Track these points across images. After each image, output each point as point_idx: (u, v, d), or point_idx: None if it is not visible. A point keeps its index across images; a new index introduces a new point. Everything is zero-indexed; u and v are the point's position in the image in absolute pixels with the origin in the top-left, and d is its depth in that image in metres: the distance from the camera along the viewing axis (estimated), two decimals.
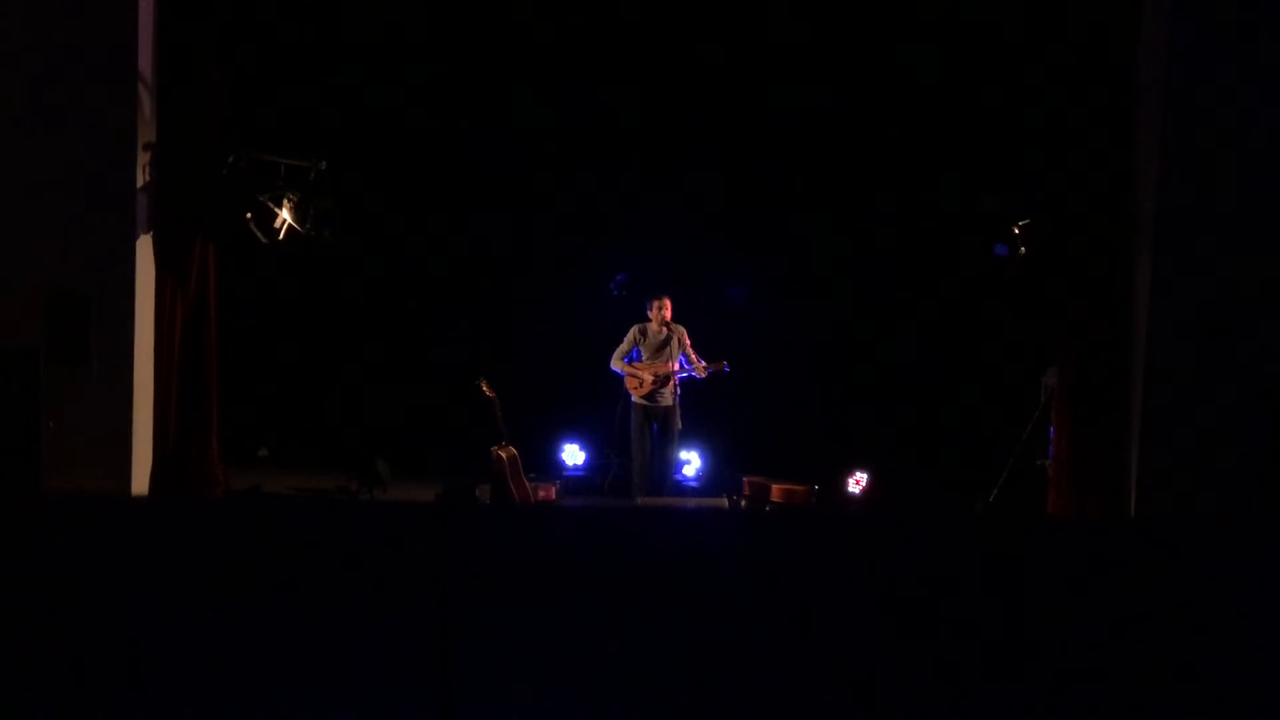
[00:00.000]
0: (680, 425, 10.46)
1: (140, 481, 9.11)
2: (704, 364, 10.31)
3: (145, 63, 9.11)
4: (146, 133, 9.15)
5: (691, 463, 11.21)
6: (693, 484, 11.15)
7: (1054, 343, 9.41)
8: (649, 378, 10.30)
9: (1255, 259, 8.58)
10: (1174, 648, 4.03)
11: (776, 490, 10.30)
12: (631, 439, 10.52)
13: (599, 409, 11.15)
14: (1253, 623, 4.34)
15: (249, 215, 9.39)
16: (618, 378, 10.52)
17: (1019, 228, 9.39)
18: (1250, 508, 8.39)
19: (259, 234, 9.43)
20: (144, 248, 9.19)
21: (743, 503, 10.43)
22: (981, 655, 3.86)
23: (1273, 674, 3.82)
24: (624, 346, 10.43)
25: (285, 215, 9.38)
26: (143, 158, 9.11)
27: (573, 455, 11.58)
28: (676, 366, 10.31)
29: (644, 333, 10.41)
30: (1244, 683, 3.73)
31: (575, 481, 11.32)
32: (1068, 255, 9.12)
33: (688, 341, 10.40)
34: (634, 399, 10.42)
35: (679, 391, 10.42)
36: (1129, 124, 8.88)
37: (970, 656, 3.82)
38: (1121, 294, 8.91)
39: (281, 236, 9.42)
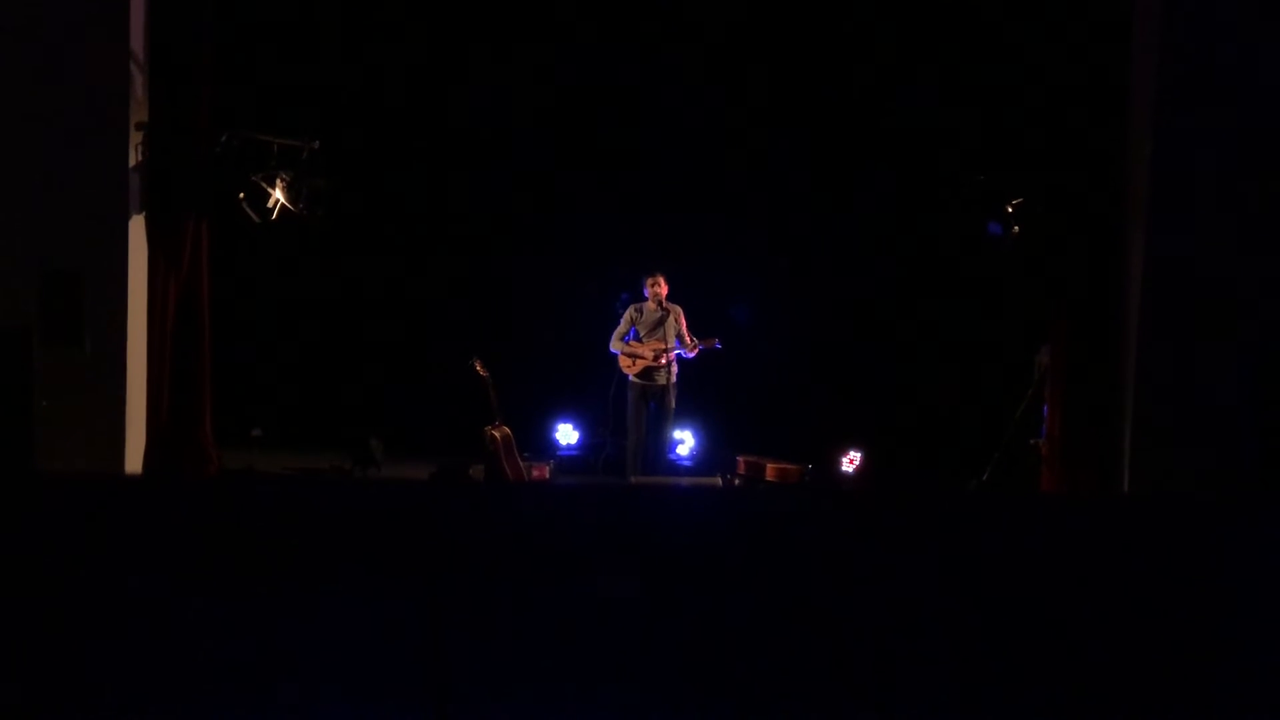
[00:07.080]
0: (674, 405, 10.44)
1: (133, 461, 9.11)
2: (695, 341, 10.28)
3: (138, 41, 9.07)
4: (139, 112, 9.12)
5: (685, 442, 11.20)
6: (686, 463, 11.14)
7: (1047, 320, 9.41)
8: (649, 354, 10.25)
9: (1248, 236, 8.56)
10: (1166, 625, 4.04)
11: (770, 469, 10.32)
12: (628, 418, 10.47)
13: (593, 389, 11.14)
14: (1244, 600, 4.35)
15: (242, 195, 9.38)
16: (614, 358, 10.50)
17: (1013, 206, 9.38)
18: (1244, 484, 8.39)
19: (251, 213, 9.41)
20: (137, 227, 9.17)
21: (736, 482, 10.44)
22: (975, 635, 3.87)
23: (1265, 652, 3.83)
24: (621, 327, 10.37)
25: (278, 194, 9.37)
26: (135, 137, 9.08)
27: (566, 435, 11.58)
28: (673, 344, 10.25)
29: (640, 311, 10.36)
30: (1237, 661, 3.74)
31: (569, 461, 11.32)
32: (1061, 233, 9.11)
33: (683, 321, 10.35)
34: (630, 378, 10.37)
35: (677, 371, 10.38)
36: (1123, 101, 8.85)
37: (963, 635, 3.83)
38: (1114, 271, 8.90)
39: (274, 216, 9.41)
